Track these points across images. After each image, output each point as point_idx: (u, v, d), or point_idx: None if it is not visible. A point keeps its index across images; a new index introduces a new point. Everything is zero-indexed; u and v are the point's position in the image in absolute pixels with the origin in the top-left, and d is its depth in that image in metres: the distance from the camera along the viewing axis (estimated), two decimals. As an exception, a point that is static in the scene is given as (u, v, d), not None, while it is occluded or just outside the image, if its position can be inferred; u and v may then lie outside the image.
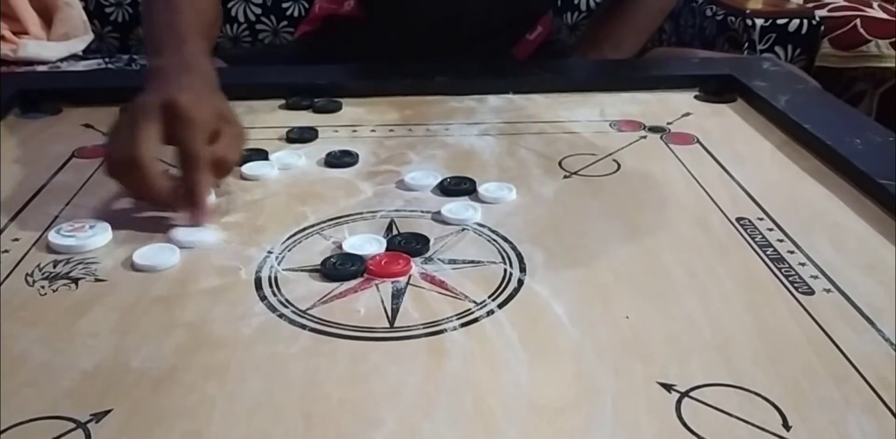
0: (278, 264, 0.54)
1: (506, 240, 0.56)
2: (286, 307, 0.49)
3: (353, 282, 0.51)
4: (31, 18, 1.68)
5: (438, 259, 0.54)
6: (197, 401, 0.41)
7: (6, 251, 0.55)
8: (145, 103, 0.59)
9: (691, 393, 0.41)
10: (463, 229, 0.58)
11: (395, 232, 0.58)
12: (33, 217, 0.60)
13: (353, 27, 1.06)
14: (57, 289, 0.51)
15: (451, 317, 0.48)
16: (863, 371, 0.42)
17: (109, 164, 0.59)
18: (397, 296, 0.50)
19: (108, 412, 0.40)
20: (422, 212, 0.61)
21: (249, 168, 0.68)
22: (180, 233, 0.56)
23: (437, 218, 0.60)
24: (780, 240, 0.56)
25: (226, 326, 0.47)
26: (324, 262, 0.53)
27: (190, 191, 0.57)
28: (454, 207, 0.60)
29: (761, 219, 0.59)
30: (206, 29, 0.75)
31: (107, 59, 1.72)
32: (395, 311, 0.48)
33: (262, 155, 0.70)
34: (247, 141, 0.65)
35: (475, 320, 0.47)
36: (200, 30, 0.73)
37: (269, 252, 0.55)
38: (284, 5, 1.72)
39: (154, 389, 0.41)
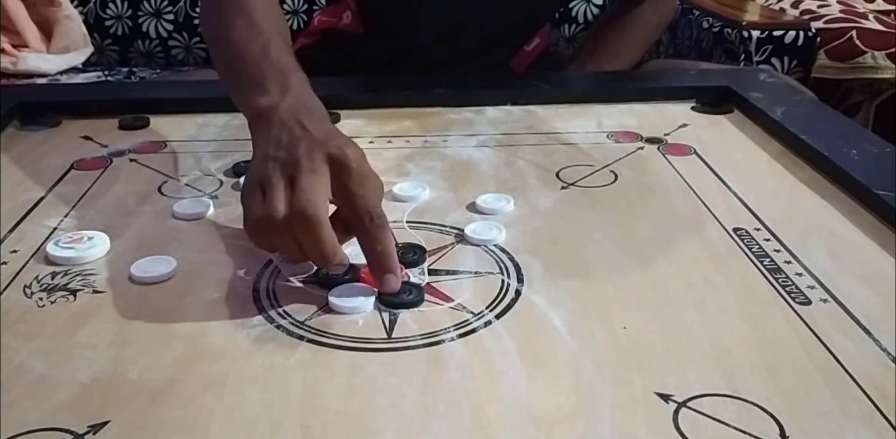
0: (276, 275, 0.54)
1: (504, 250, 0.57)
2: (284, 318, 0.49)
3: (351, 294, 0.51)
4: (31, 31, 1.69)
5: (436, 270, 0.54)
6: (195, 413, 0.41)
7: (5, 263, 0.55)
8: (307, 154, 0.51)
9: (689, 404, 0.41)
10: (460, 241, 0.58)
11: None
12: (32, 229, 0.60)
13: (351, 40, 1.06)
14: (55, 301, 0.51)
15: (449, 327, 0.48)
16: (860, 381, 0.42)
17: (266, 222, 0.50)
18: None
19: (106, 424, 0.40)
20: (420, 223, 0.61)
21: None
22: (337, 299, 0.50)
23: (441, 230, 0.60)
24: (778, 251, 0.56)
25: (224, 338, 0.47)
26: (317, 271, 0.53)
27: (385, 256, 0.50)
28: (478, 228, 0.59)
29: (758, 230, 0.59)
30: (291, 49, 0.67)
31: (106, 72, 1.72)
32: (392, 322, 0.48)
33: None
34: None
35: (473, 331, 0.47)
36: (290, 53, 0.65)
37: (267, 263, 0.55)
38: (283, 18, 1.73)
39: (152, 401, 0.41)
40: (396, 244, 0.54)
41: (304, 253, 0.50)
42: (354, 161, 0.51)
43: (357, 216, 0.51)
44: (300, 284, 0.53)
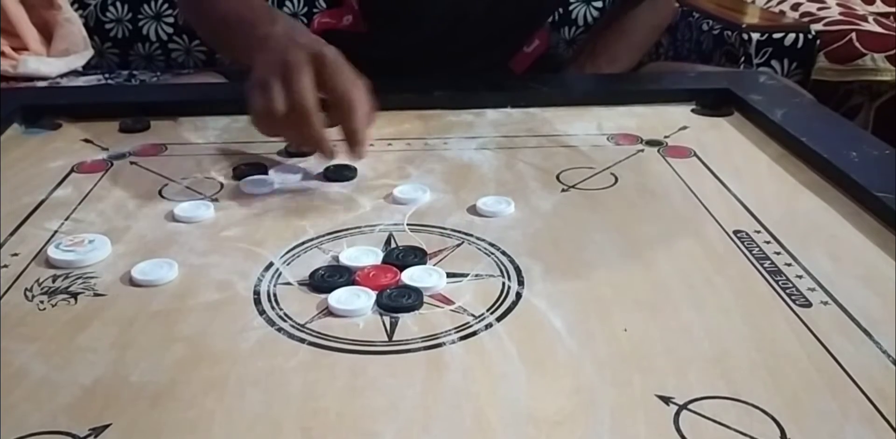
0: (277, 278, 0.54)
1: (504, 253, 0.57)
2: (285, 321, 0.49)
3: (351, 296, 0.51)
4: (31, 35, 1.69)
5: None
6: (196, 416, 0.41)
7: (6, 266, 0.55)
8: (294, 56, 0.62)
9: (690, 406, 0.41)
10: (461, 243, 0.58)
11: (393, 245, 0.58)
12: (33, 232, 0.60)
13: (352, 40, 1.06)
14: (56, 304, 0.51)
15: (450, 330, 0.48)
16: (860, 383, 0.43)
17: (268, 115, 0.61)
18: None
19: (107, 426, 0.40)
20: (420, 225, 0.61)
21: (248, 182, 0.68)
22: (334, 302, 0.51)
23: (441, 233, 0.60)
24: (778, 253, 0.56)
25: (225, 340, 0.47)
26: (312, 274, 0.53)
27: (355, 131, 0.62)
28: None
29: (758, 232, 0.59)
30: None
31: (106, 75, 1.73)
32: (393, 325, 0.48)
33: (260, 169, 0.70)
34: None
35: (474, 333, 0.47)
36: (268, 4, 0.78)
37: (268, 266, 0.55)
38: (283, 21, 1.73)
39: (153, 404, 0.42)
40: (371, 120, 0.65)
41: (301, 138, 0.62)
42: (331, 57, 0.63)
43: (334, 101, 0.62)
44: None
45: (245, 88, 0.65)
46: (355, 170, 0.70)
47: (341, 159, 0.66)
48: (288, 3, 1.72)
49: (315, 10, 1.72)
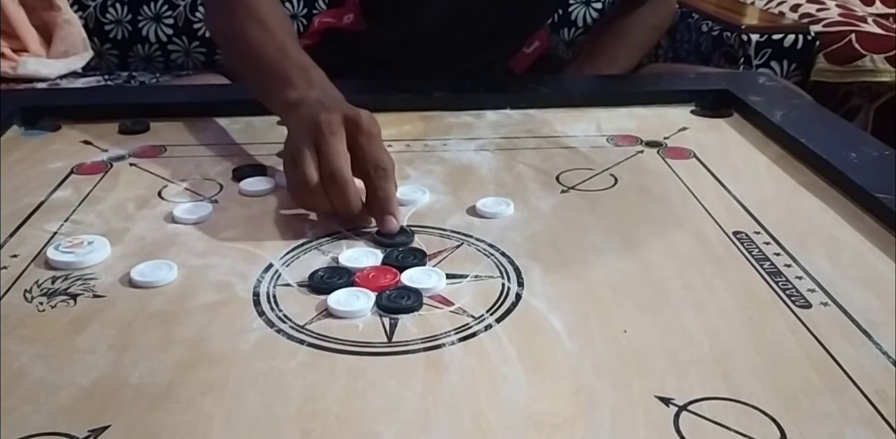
0: (276, 279, 0.54)
1: (504, 254, 0.57)
2: (284, 322, 0.49)
3: (351, 298, 0.51)
4: (30, 36, 1.69)
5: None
6: (195, 417, 0.41)
7: (5, 267, 0.55)
8: (327, 121, 0.59)
9: (689, 407, 0.41)
10: (460, 244, 0.58)
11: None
12: (32, 233, 0.60)
13: (352, 39, 1.07)
14: (55, 306, 0.51)
15: (449, 331, 0.48)
16: (860, 384, 0.43)
17: (305, 185, 0.58)
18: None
19: (106, 428, 0.40)
20: (419, 226, 0.61)
21: (248, 183, 0.68)
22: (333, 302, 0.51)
23: (441, 234, 0.60)
24: (777, 254, 0.56)
25: (224, 342, 0.47)
26: (311, 276, 0.53)
27: (386, 201, 0.59)
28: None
29: (758, 233, 0.59)
30: (301, 47, 0.74)
31: (106, 76, 1.73)
32: (392, 326, 0.48)
33: (259, 170, 0.70)
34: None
35: (473, 335, 0.47)
36: (302, 50, 0.73)
37: (268, 267, 0.55)
38: (283, 22, 1.73)
39: (152, 405, 0.41)
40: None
41: (336, 207, 0.59)
42: (365, 121, 0.60)
43: (364, 167, 0.59)
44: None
45: (283, 160, 0.63)
46: (412, 233, 0.60)
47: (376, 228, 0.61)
48: (288, 5, 1.73)
49: (315, 12, 1.72)
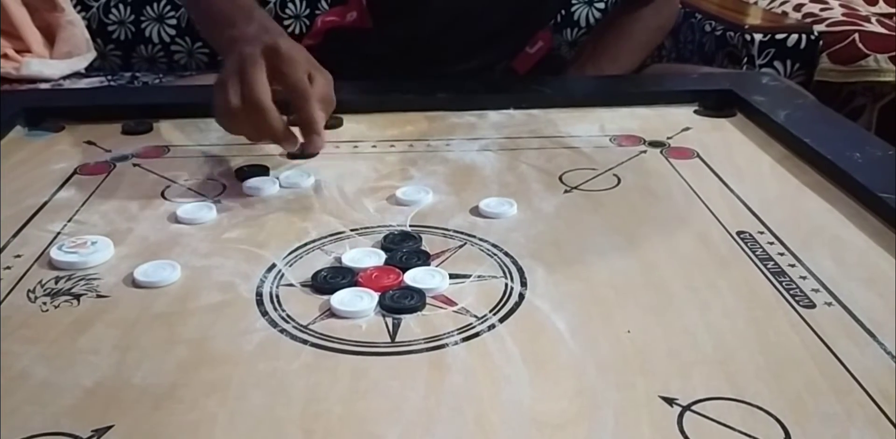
0: (279, 279, 0.54)
1: (507, 254, 0.57)
2: (287, 322, 0.49)
3: (354, 298, 0.51)
4: (34, 37, 1.70)
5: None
6: (198, 418, 0.41)
7: (8, 267, 0.55)
8: (247, 53, 0.63)
9: (693, 407, 0.41)
10: (463, 244, 0.58)
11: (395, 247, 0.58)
12: (35, 233, 0.60)
13: (357, 37, 1.07)
14: (59, 306, 0.51)
15: (453, 331, 0.48)
16: (865, 384, 0.42)
17: (227, 113, 0.62)
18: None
19: (110, 428, 0.40)
20: (422, 226, 0.61)
21: (251, 183, 0.68)
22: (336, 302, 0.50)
23: (444, 234, 0.60)
24: (781, 254, 0.56)
25: (227, 342, 0.47)
26: (314, 276, 0.53)
27: (308, 121, 0.62)
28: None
29: (762, 233, 0.59)
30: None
31: (109, 77, 1.73)
32: (396, 326, 0.48)
33: (262, 170, 0.70)
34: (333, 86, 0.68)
35: (476, 335, 0.47)
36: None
37: (271, 267, 0.55)
38: (286, 22, 1.73)
39: (155, 406, 0.41)
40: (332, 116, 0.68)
41: (259, 132, 0.63)
42: (284, 49, 0.63)
43: (286, 92, 0.63)
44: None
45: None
46: (419, 239, 0.58)
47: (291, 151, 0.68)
48: (290, 6, 1.73)
49: (317, 12, 1.72)
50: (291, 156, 0.69)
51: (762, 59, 1.37)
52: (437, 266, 0.55)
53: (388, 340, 0.47)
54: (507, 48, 1.10)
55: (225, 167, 0.72)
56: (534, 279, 0.53)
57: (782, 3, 1.65)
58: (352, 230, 0.60)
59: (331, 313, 0.49)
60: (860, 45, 1.45)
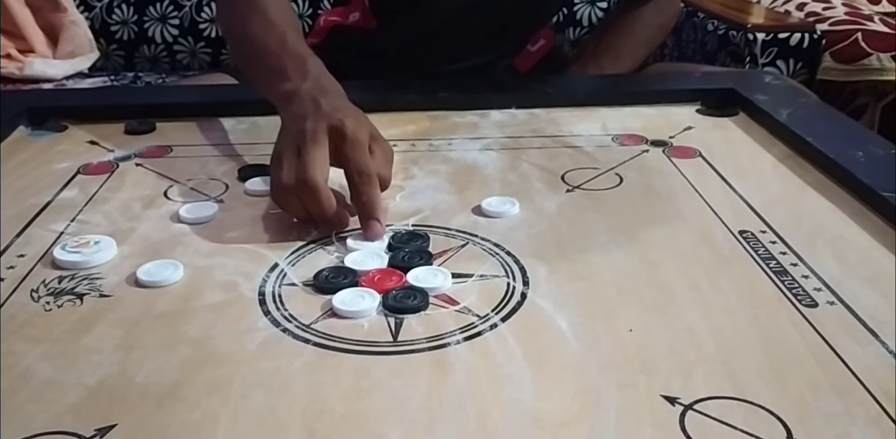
0: (282, 279, 0.54)
1: (509, 253, 0.57)
2: (290, 322, 0.49)
3: (356, 297, 0.51)
4: (37, 37, 1.70)
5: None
6: (201, 417, 0.41)
7: (12, 267, 0.56)
8: (312, 129, 0.60)
9: (695, 407, 0.41)
10: (465, 244, 0.58)
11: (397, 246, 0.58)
12: (39, 233, 0.60)
13: (359, 36, 1.07)
14: (62, 305, 0.51)
15: (455, 330, 0.48)
16: (867, 384, 0.42)
17: (282, 189, 0.59)
18: (401, 310, 0.50)
19: (113, 427, 0.40)
20: (425, 226, 0.61)
21: (253, 183, 0.68)
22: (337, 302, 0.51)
23: (446, 233, 0.60)
24: (784, 253, 0.56)
25: (230, 342, 0.47)
26: (316, 275, 0.53)
27: (369, 206, 0.59)
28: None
29: (764, 232, 0.59)
30: (303, 40, 0.76)
31: (112, 77, 1.73)
32: (398, 325, 0.48)
33: (264, 170, 0.70)
34: (393, 159, 0.65)
35: (478, 334, 0.47)
36: (304, 42, 0.74)
37: (273, 267, 0.55)
38: (288, 22, 1.73)
39: (158, 405, 0.42)
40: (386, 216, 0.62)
41: (309, 215, 0.59)
42: (350, 129, 0.61)
43: (348, 175, 0.60)
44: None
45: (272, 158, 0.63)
46: (427, 238, 0.59)
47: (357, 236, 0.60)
48: (293, 4, 1.72)
49: (320, 11, 1.72)
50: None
51: (765, 58, 1.37)
52: (439, 265, 0.55)
53: (391, 339, 0.47)
54: (509, 46, 1.10)
55: (227, 167, 0.73)
56: (536, 278, 0.53)
57: (785, 2, 1.65)
58: (354, 229, 0.60)
59: (332, 313, 0.50)
60: (863, 44, 1.44)
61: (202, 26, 1.74)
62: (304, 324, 0.49)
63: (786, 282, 0.52)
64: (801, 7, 1.60)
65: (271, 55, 0.71)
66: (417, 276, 0.52)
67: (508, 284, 0.53)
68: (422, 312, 0.49)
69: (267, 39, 0.73)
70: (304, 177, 0.58)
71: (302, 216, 0.60)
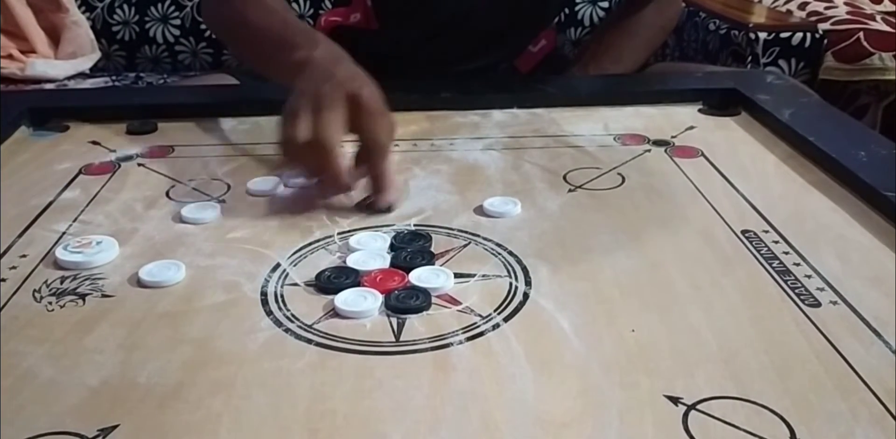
0: (284, 279, 0.54)
1: (511, 253, 0.57)
2: (292, 322, 0.49)
3: (358, 297, 0.51)
4: (38, 37, 1.70)
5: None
6: (203, 417, 0.41)
7: (14, 267, 0.56)
8: (330, 93, 0.61)
9: (698, 406, 0.41)
10: (467, 244, 0.58)
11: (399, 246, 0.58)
12: (41, 233, 0.60)
13: (360, 37, 1.07)
14: (64, 305, 0.51)
15: (457, 330, 0.48)
16: (870, 383, 0.42)
17: (292, 144, 0.60)
18: (403, 310, 0.50)
19: (115, 427, 0.40)
20: (426, 226, 0.61)
21: (255, 183, 0.68)
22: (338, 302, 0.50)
23: (448, 233, 0.60)
24: (786, 253, 0.56)
25: (232, 342, 0.47)
26: (318, 275, 0.53)
27: (380, 177, 0.62)
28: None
29: (767, 232, 0.59)
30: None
31: (113, 77, 1.73)
32: (400, 325, 0.48)
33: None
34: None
35: (481, 334, 0.47)
36: (305, 23, 0.77)
37: (275, 267, 0.55)
38: (290, 23, 1.73)
39: (160, 405, 0.42)
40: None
41: (318, 170, 0.61)
42: (366, 99, 0.61)
43: (363, 145, 0.62)
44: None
45: (281, 111, 0.63)
46: (429, 237, 0.59)
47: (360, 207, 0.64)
48: (294, 5, 1.73)
49: (321, 11, 1.72)
50: (368, 211, 0.63)
51: (766, 58, 1.37)
52: (441, 265, 0.55)
53: (393, 340, 0.47)
54: (511, 47, 1.09)
55: (229, 167, 0.73)
56: (538, 278, 0.53)
57: (787, 2, 1.65)
58: (356, 229, 0.60)
59: (335, 313, 0.50)
60: (865, 44, 1.44)
61: (204, 26, 1.74)
62: (306, 325, 0.48)
63: (788, 282, 0.52)
64: (802, 6, 1.60)
65: (276, 34, 0.73)
66: (419, 276, 0.52)
67: (511, 284, 0.53)
68: (424, 312, 0.49)
69: (270, 20, 0.75)
70: (320, 135, 0.59)
71: (308, 172, 0.62)
